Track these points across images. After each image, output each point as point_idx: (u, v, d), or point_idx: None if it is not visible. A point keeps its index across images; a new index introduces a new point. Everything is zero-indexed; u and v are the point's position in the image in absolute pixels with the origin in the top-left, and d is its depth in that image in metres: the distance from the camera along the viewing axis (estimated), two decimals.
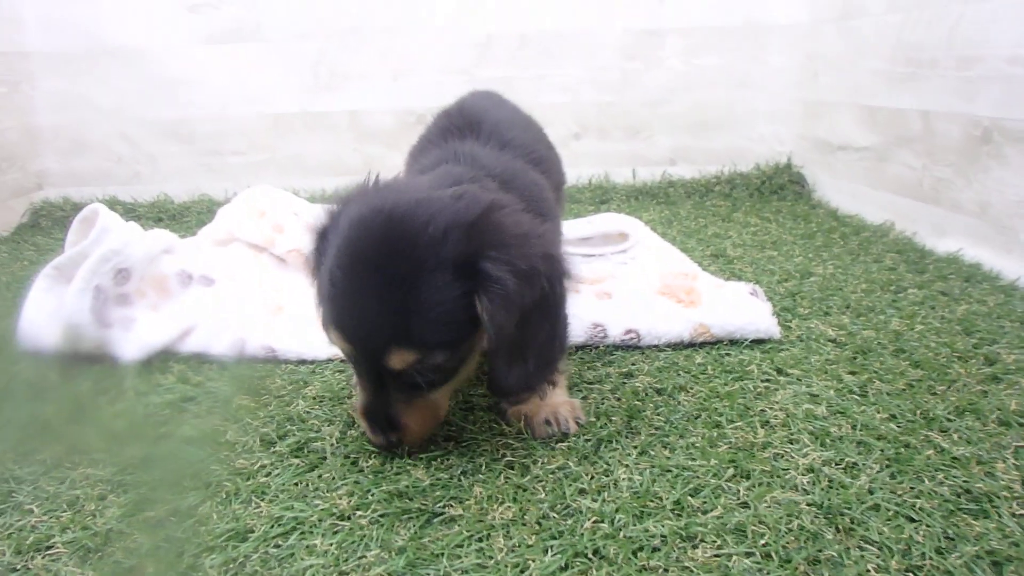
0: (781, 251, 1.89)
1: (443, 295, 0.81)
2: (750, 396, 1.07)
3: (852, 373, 1.14)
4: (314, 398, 1.10)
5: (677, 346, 1.26)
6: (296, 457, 0.93)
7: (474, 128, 1.16)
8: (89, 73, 2.61)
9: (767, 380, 1.12)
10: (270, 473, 0.89)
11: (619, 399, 1.07)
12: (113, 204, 2.65)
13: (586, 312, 1.29)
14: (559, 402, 1.00)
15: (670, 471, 0.87)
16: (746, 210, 2.41)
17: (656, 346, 1.26)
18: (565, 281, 0.92)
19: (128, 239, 1.28)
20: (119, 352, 1.22)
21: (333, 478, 0.88)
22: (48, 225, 2.52)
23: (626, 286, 1.39)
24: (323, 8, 2.58)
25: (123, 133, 2.68)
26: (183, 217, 2.56)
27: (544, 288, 0.85)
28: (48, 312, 1.23)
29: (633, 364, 1.19)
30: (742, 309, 1.28)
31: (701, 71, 2.64)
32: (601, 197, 2.63)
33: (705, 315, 1.27)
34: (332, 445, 0.95)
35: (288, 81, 2.63)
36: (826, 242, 1.96)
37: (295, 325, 1.29)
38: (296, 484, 0.87)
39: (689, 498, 0.81)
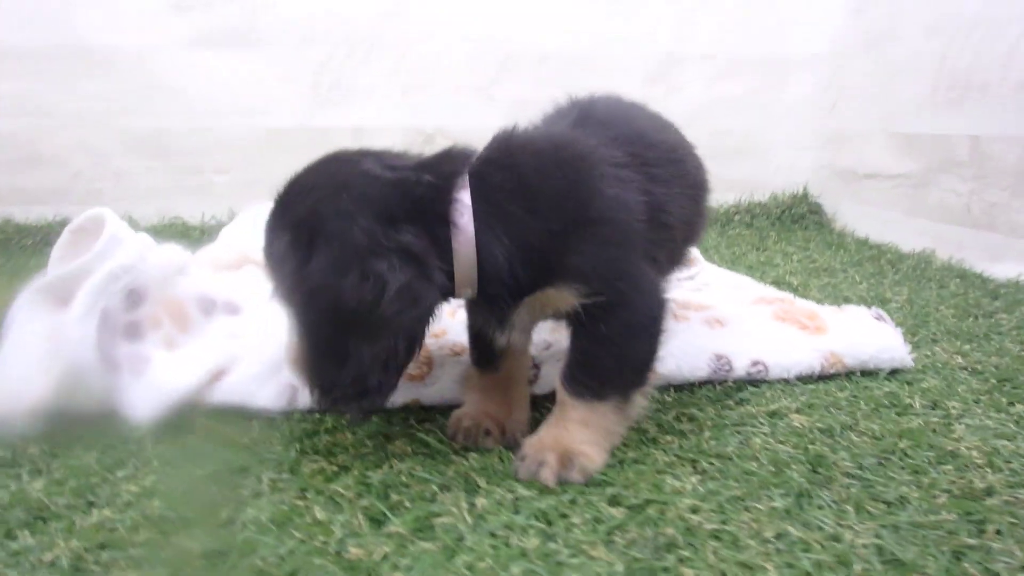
0: (838, 278, 1.77)
1: None
2: (931, 433, 0.91)
3: (1012, 403, 1.01)
4: (410, 455, 0.86)
5: (807, 379, 1.09)
6: (423, 539, 0.69)
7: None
8: (50, 74, 2.29)
9: (931, 414, 0.97)
10: (398, 565, 0.65)
11: (783, 442, 0.89)
12: (65, 227, 2.31)
13: (704, 342, 1.10)
14: (577, 447, 0.83)
15: (900, 529, 0.71)
16: (775, 239, 2.29)
17: (785, 380, 1.09)
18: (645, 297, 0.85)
19: (142, 253, 1.01)
20: (129, 405, 0.94)
21: (490, 568, 0.64)
22: None
23: (736, 312, 1.21)
24: (330, 13, 2.34)
25: (84, 144, 2.36)
26: None
27: None
28: (30, 353, 0.95)
29: (772, 401, 1.01)
30: (873, 336, 1.12)
31: (721, 99, 2.54)
32: None
33: (835, 343, 1.11)
34: (466, 520, 0.72)
35: (285, 92, 2.38)
36: (877, 269, 1.85)
37: None
38: None
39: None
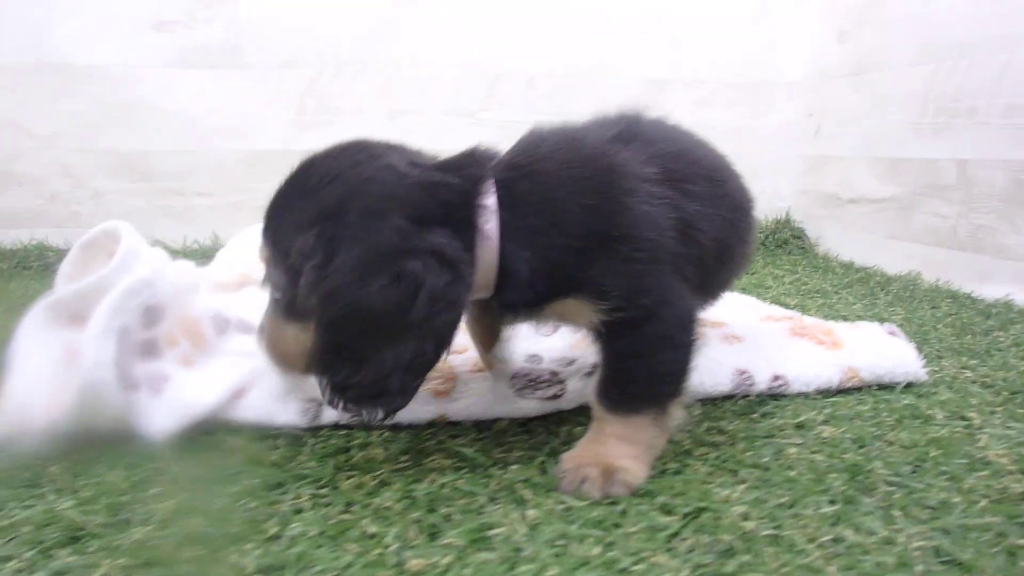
0: (832, 299, 1.80)
1: None
2: (958, 442, 0.93)
3: None
4: (449, 469, 0.84)
5: (826, 392, 1.11)
6: (481, 549, 0.67)
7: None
8: (26, 91, 2.22)
9: (954, 424, 0.99)
10: None
11: (816, 452, 0.90)
12: (42, 250, 2.26)
13: (725, 357, 1.10)
14: (618, 462, 0.82)
15: (950, 532, 0.71)
16: (762, 262, 2.33)
17: (804, 393, 1.10)
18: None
19: (160, 268, 0.98)
20: (148, 424, 0.90)
21: None
22: None
23: (751, 328, 1.22)
24: (316, 34, 2.33)
25: (62, 165, 2.30)
26: None
27: None
28: (41, 372, 0.91)
29: (797, 414, 1.02)
30: (889, 351, 1.15)
31: (706, 123, 2.56)
32: None
33: (852, 358, 1.13)
34: (521, 531, 0.70)
35: (270, 114, 2.35)
36: (868, 291, 1.89)
37: None
38: None
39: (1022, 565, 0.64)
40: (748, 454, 0.89)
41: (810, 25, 2.56)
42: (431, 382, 1.04)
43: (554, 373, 1.08)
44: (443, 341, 0.78)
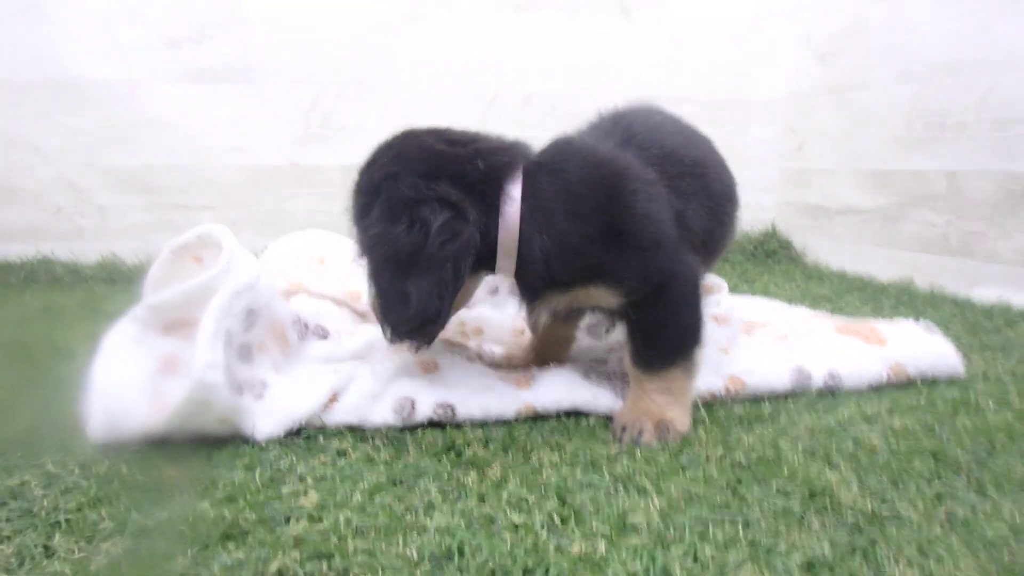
0: (839, 304, 1.88)
1: None
2: (1017, 427, 1.00)
3: None
4: (561, 463, 0.87)
5: (876, 388, 1.18)
6: (626, 534, 0.70)
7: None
8: (33, 107, 2.19)
9: (1005, 411, 1.07)
10: (623, 559, 0.66)
11: (892, 440, 0.96)
12: (49, 264, 2.21)
13: (781, 356, 1.16)
14: (666, 413, 0.98)
15: None
16: (757, 272, 2.42)
17: (857, 389, 1.16)
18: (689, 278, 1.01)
19: (258, 271, 0.98)
20: (252, 427, 0.92)
21: (711, 558, 0.66)
22: None
23: (797, 327, 1.28)
24: (323, 53, 2.35)
25: (67, 180, 2.25)
26: (135, 280, 2.15)
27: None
28: (138, 378, 0.91)
29: (860, 407, 1.09)
30: (930, 347, 1.22)
31: None
32: None
33: (898, 354, 1.19)
34: (656, 517, 0.73)
35: (276, 129, 2.35)
36: (870, 296, 1.99)
37: (463, 375, 1.04)
38: None
39: None
40: (832, 443, 0.95)
41: (789, 47, 2.70)
42: (512, 376, 1.07)
43: (623, 373, 1.12)
44: (458, 267, 0.93)
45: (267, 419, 0.91)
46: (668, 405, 0.98)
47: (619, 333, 1.33)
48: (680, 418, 0.98)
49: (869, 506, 0.77)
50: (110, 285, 2.10)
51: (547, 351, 1.22)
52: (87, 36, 2.19)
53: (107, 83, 2.22)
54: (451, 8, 2.46)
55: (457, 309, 1.10)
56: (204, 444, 0.90)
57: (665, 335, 1.00)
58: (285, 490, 0.79)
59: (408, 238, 0.91)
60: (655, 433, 0.95)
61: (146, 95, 2.25)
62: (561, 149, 1.04)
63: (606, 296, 0.98)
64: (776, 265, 2.59)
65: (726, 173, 1.26)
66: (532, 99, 2.56)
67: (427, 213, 0.91)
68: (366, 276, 0.98)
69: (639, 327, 1.00)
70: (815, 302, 1.90)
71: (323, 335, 1.12)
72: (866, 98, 2.33)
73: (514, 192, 0.96)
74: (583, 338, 1.36)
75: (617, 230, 0.96)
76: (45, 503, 0.76)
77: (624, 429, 0.96)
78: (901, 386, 1.19)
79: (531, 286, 1.00)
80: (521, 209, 0.95)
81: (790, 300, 1.91)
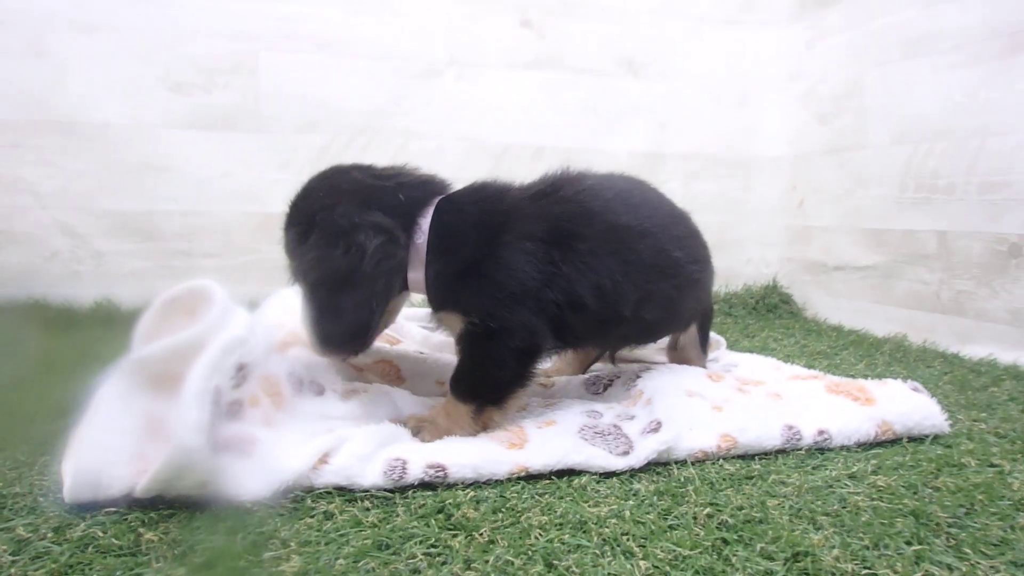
0: (835, 360, 1.90)
1: None
2: (996, 486, 1.01)
3: None
4: (549, 525, 0.88)
5: (863, 445, 1.19)
6: None
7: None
8: (31, 148, 2.21)
9: (986, 471, 1.08)
10: None
11: (876, 499, 0.96)
12: (43, 307, 2.21)
13: (773, 414, 1.17)
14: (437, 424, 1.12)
15: (1020, 565, 0.78)
16: (758, 326, 2.43)
17: (846, 446, 1.18)
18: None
19: (251, 324, 1.00)
20: (236, 488, 0.90)
21: None
22: None
23: (788, 386, 1.30)
24: (331, 103, 2.41)
25: (64, 224, 2.28)
26: (131, 325, 2.17)
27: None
28: (123, 436, 0.91)
29: (847, 466, 1.09)
30: (916, 405, 1.24)
31: (699, 195, 2.74)
32: None
33: (886, 412, 1.21)
34: None
35: (283, 177, 2.39)
36: (865, 352, 2.00)
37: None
38: None
39: None
40: (818, 503, 0.95)
41: (791, 108, 2.77)
42: (504, 436, 1.08)
43: (616, 427, 1.13)
44: (389, 282, 1.09)
45: (253, 478, 0.91)
46: (449, 428, 1.10)
47: (617, 388, 1.36)
48: (436, 433, 1.09)
49: (850, 568, 0.77)
50: (106, 329, 2.11)
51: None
52: (91, 77, 2.23)
53: (110, 125, 2.25)
54: (463, 62, 2.53)
55: (385, 327, 1.29)
56: (186, 506, 0.89)
57: (474, 378, 1.13)
58: (267, 555, 0.78)
59: (345, 260, 1.04)
60: (428, 435, 1.09)
61: (150, 139, 2.28)
62: (473, 191, 1.20)
63: (458, 322, 1.13)
64: (777, 319, 2.61)
65: (666, 250, 1.27)
66: (542, 152, 2.62)
67: (363, 238, 1.06)
68: (301, 298, 1.10)
69: (465, 358, 1.14)
70: (812, 359, 1.92)
71: (319, 391, 1.13)
72: (864, 158, 2.39)
73: (424, 224, 1.12)
74: (581, 391, 1.38)
75: (478, 270, 1.10)
76: (13, 571, 0.74)
77: (412, 421, 1.13)
78: (888, 444, 1.20)
79: (433, 304, 1.16)
80: (428, 238, 1.11)
81: (787, 357, 1.93)
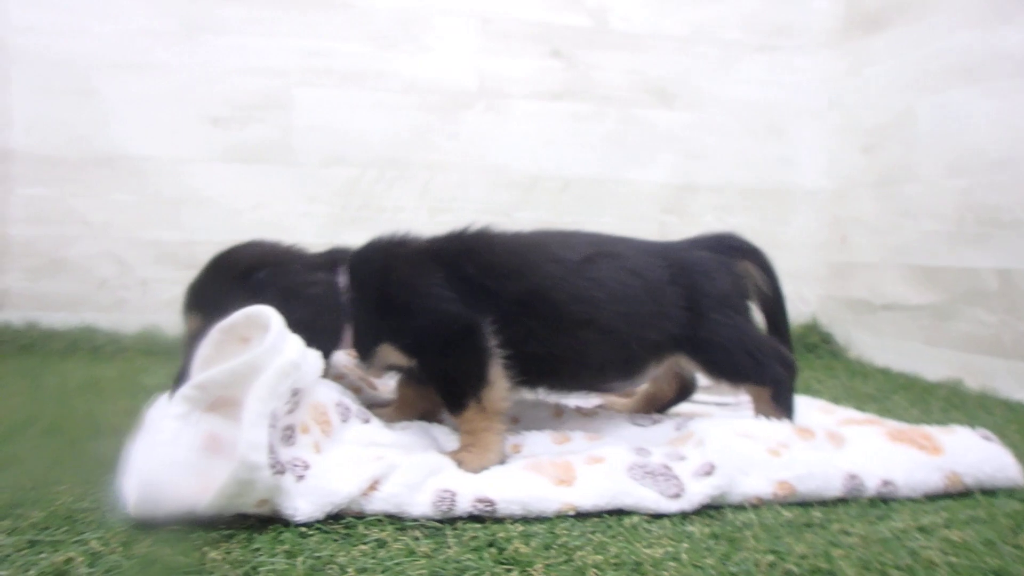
0: (886, 405, 1.83)
1: None
2: None
3: None
4: (605, 564, 0.84)
5: (932, 497, 1.13)
6: None
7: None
8: (79, 182, 2.30)
9: None
10: None
11: (951, 554, 0.90)
12: (92, 334, 2.26)
13: (835, 460, 1.12)
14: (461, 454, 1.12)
15: None
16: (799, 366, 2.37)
17: (912, 498, 1.12)
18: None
19: (304, 351, 1.00)
20: (291, 508, 0.91)
21: None
22: (11, 352, 2.08)
23: (848, 432, 1.24)
24: (362, 137, 2.46)
25: (111, 253, 2.34)
26: (174, 352, 2.19)
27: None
28: (180, 457, 0.92)
29: (915, 517, 1.04)
30: (988, 456, 1.17)
31: (731, 229, 2.70)
32: None
33: (955, 463, 1.15)
34: None
35: (314, 209, 2.43)
36: (917, 397, 1.92)
37: (503, 469, 1.03)
38: None
39: None
40: (887, 555, 0.90)
41: (831, 138, 2.73)
42: (552, 471, 1.05)
43: (667, 467, 1.09)
44: (335, 317, 1.21)
45: (307, 500, 0.91)
46: (467, 445, 1.13)
47: (666, 426, 1.32)
48: (469, 460, 1.09)
49: None
50: (149, 357, 2.14)
51: (407, 409, 1.38)
52: (137, 114, 2.32)
53: (152, 159, 2.33)
54: (492, 93, 2.56)
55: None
56: (245, 527, 0.90)
57: (449, 387, 1.18)
58: None
59: (304, 311, 1.12)
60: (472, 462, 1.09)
61: (191, 173, 2.36)
62: (372, 245, 1.31)
63: (393, 353, 1.21)
64: (817, 360, 2.54)
65: (585, 295, 1.28)
66: (571, 185, 2.62)
67: (316, 292, 1.20)
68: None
69: (432, 382, 1.23)
70: (861, 402, 1.85)
71: (366, 419, 1.12)
72: (914, 191, 2.32)
73: (342, 281, 1.23)
74: (627, 427, 1.35)
75: (398, 299, 1.20)
76: None
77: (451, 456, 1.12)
78: (957, 496, 1.14)
79: (360, 349, 1.24)
80: (350, 292, 1.22)
81: (834, 399, 1.86)
